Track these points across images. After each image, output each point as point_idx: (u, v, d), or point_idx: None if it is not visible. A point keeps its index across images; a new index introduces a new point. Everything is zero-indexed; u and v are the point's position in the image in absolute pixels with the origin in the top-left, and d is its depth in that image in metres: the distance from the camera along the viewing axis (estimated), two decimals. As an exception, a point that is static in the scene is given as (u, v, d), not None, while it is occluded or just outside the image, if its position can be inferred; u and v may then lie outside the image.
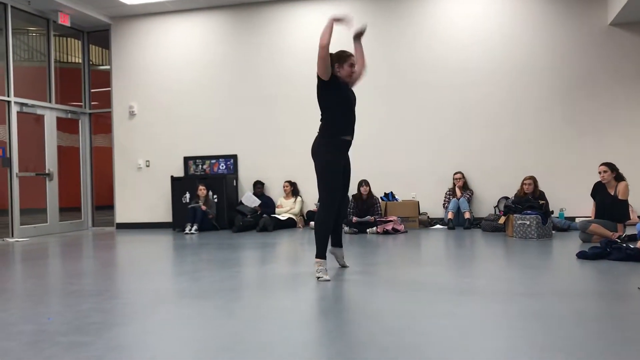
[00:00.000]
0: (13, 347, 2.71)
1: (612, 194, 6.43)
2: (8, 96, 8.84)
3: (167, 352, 2.61)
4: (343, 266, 4.91)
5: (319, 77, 4.40)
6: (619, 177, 6.47)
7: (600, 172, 6.51)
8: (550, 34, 8.67)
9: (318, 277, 4.33)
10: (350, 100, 4.51)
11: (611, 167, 6.48)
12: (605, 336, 2.70)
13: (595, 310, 3.25)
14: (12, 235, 8.77)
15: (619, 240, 5.41)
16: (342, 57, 4.49)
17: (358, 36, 4.70)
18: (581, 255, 5.13)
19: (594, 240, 6.22)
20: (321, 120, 4.51)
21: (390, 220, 8.01)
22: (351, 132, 4.53)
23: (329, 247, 4.66)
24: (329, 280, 4.28)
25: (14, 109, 8.93)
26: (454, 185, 8.76)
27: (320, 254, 4.42)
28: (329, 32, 4.22)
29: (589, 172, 7.82)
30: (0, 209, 9.03)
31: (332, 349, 2.61)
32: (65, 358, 2.52)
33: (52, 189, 9.70)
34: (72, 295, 3.98)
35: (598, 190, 6.61)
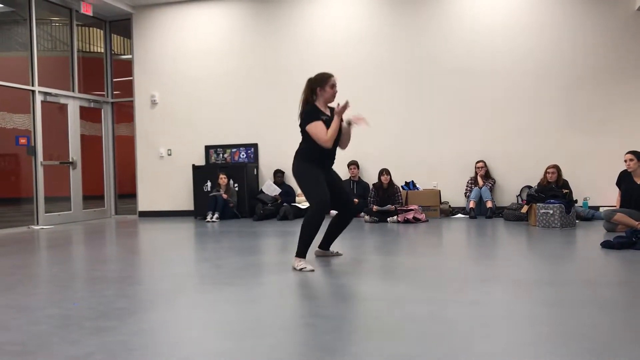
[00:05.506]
0: (41, 331, 2.77)
1: (639, 182, 6.32)
2: (32, 86, 8.96)
3: (190, 336, 2.63)
4: (337, 254, 4.94)
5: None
6: (646, 166, 6.35)
7: (626, 161, 6.40)
8: (576, 19, 8.50)
9: (301, 269, 4.21)
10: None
11: (637, 155, 6.35)
12: (631, 325, 2.66)
13: (620, 299, 3.20)
14: (37, 223, 8.92)
15: (645, 230, 5.31)
16: (321, 79, 4.35)
17: (349, 122, 4.50)
18: (606, 245, 5.06)
19: (619, 229, 6.12)
20: (302, 144, 4.47)
21: (411, 209, 7.95)
22: (329, 165, 4.50)
23: (317, 249, 4.87)
24: (313, 270, 4.20)
25: (38, 98, 9.05)
26: (476, 174, 8.68)
27: (302, 253, 4.34)
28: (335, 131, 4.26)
29: (614, 160, 7.69)
30: (25, 197, 9.19)
31: (356, 335, 2.61)
32: (90, 342, 2.56)
33: (75, 177, 9.83)
34: (96, 281, 4.04)
35: (623, 179, 6.50)
